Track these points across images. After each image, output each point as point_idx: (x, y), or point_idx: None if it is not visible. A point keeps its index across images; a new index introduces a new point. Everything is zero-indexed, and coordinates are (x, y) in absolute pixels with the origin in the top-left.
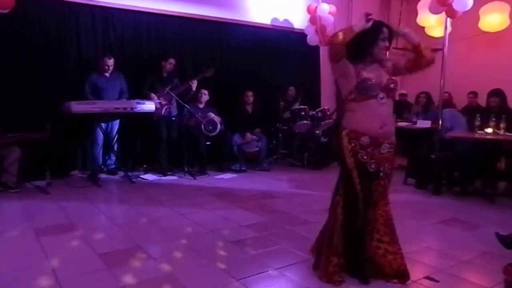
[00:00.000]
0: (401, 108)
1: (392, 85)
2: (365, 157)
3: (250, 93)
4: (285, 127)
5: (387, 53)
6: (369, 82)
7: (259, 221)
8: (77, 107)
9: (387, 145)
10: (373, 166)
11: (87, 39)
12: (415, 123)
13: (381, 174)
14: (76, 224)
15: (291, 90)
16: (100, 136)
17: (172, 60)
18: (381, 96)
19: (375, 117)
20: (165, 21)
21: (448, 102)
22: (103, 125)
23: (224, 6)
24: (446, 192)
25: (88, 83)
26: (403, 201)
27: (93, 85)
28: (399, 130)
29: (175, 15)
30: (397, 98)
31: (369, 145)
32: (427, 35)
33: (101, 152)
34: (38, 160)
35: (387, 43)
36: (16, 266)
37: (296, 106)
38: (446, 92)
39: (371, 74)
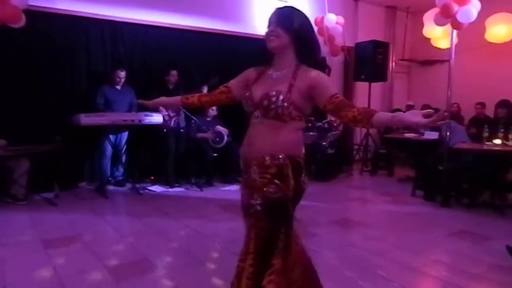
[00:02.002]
0: None
1: (265, 101)
2: (241, 185)
3: None
4: None
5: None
6: (245, 97)
7: None
8: (86, 119)
9: (256, 168)
10: (242, 198)
11: (96, 52)
12: (423, 134)
13: (250, 210)
14: (83, 236)
15: None
16: (108, 148)
17: (174, 72)
18: (256, 115)
19: (246, 137)
20: (172, 35)
21: (456, 114)
22: (111, 137)
23: (230, 19)
24: (455, 204)
25: (100, 94)
26: (411, 213)
27: (104, 97)
28: (406, 142)
29: (182, 29)
30: (404, 109)
31: (244, 171)
32: (434, 46)
33: (109, 163)
34: (47, 171)
35: (270, 27)
36: (24, 278)
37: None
38: (455, 103)
39: (260, 86)
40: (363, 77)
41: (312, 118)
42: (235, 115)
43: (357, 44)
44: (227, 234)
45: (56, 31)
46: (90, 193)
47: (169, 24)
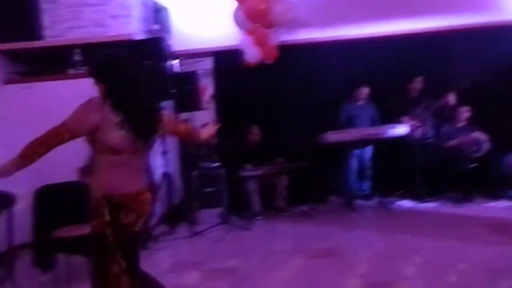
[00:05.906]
0: None
1: None
2: None
3: None
4: None
5: None
6: None
7: None
8: (333, 136)
9: None
10: None
11: (336, 72)
12: None
13: None
14: (337, 249)
15: None
16: (354, 163)
17: (419, 79)
18: None
19: None
20: (411, 41)
21: None
22: (356, 151)
23: (480, 8)
24: None
25: (343, 113)
26: None
27: (347, 114)
28: None
29: (422, 32)
30: None
31: None
32: None
33: (355, 178)
34: (301, 186)
35: None
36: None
37: None
38: None
39: None
40: None
41: None
42: (494, 118)
43: None
44: (494, 260)
45: (299, 59)
46: (339, 207)
47: (408, 30)
